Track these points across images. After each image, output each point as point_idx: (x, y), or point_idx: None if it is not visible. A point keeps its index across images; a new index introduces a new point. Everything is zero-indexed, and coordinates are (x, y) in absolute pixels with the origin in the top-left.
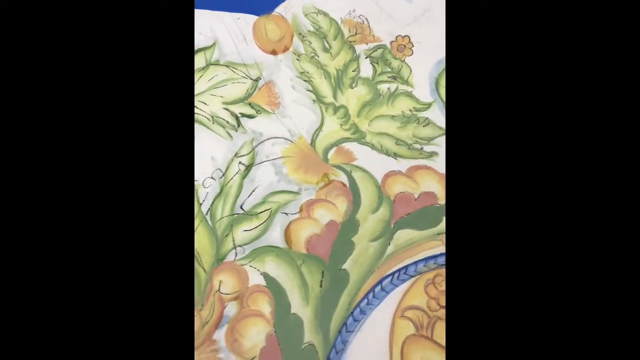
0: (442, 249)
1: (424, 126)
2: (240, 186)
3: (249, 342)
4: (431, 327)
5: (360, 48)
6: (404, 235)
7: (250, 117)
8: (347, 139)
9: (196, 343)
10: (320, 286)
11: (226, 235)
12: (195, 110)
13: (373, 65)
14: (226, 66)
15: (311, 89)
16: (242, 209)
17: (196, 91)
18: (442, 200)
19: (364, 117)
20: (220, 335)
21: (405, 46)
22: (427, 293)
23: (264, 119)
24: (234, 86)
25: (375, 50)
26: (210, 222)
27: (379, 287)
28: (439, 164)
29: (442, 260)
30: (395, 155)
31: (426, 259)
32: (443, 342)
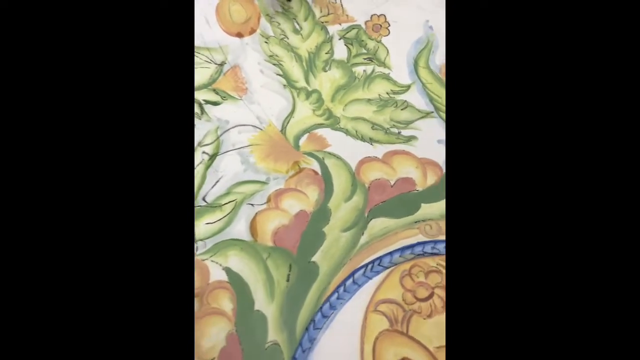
0: (419, 237)
1: (402, 109)
2: (204, 177)
3: (208, 343)
4: (406, 321)
5: (334, 29)
6: (378, 224)
7: (215, 104)
8: (320, 125)
9: None
10: (287, 280)
11: None
12: None
13: (347, 47)
14: None
15: (281, 73)
16: (205, 201)
17: None
18: (420, 187)
19: (338, 101)
20: None
21: (381, 26)
22: (403, 285)
23: (230, 105)
24: (197, 71)
25: (350, 31)
26: None
27: (350, 280)
28: (418, 148)
29: (420, 249)
30: (371, 141)
31: (402, 249)
32: (419, 337)
